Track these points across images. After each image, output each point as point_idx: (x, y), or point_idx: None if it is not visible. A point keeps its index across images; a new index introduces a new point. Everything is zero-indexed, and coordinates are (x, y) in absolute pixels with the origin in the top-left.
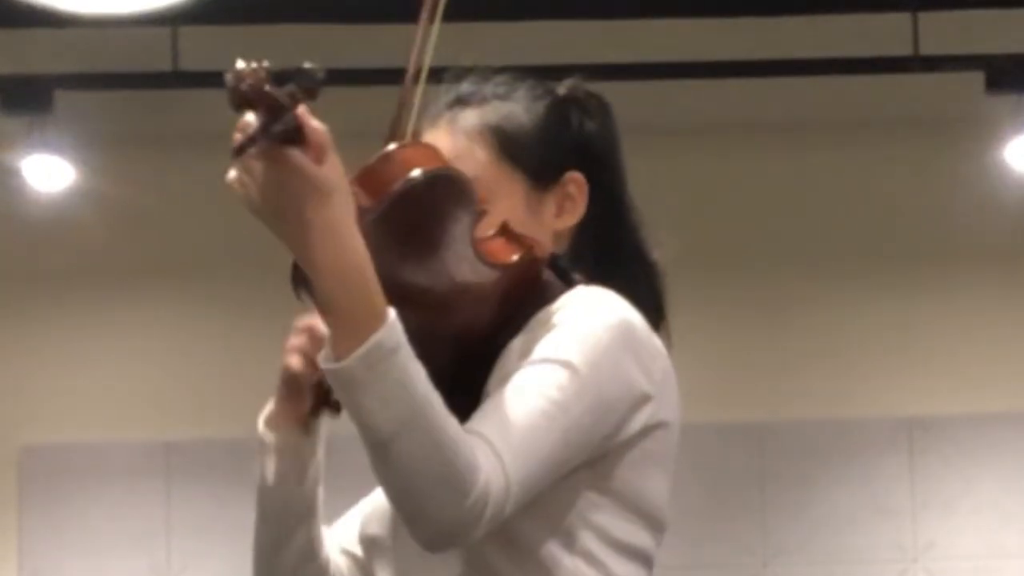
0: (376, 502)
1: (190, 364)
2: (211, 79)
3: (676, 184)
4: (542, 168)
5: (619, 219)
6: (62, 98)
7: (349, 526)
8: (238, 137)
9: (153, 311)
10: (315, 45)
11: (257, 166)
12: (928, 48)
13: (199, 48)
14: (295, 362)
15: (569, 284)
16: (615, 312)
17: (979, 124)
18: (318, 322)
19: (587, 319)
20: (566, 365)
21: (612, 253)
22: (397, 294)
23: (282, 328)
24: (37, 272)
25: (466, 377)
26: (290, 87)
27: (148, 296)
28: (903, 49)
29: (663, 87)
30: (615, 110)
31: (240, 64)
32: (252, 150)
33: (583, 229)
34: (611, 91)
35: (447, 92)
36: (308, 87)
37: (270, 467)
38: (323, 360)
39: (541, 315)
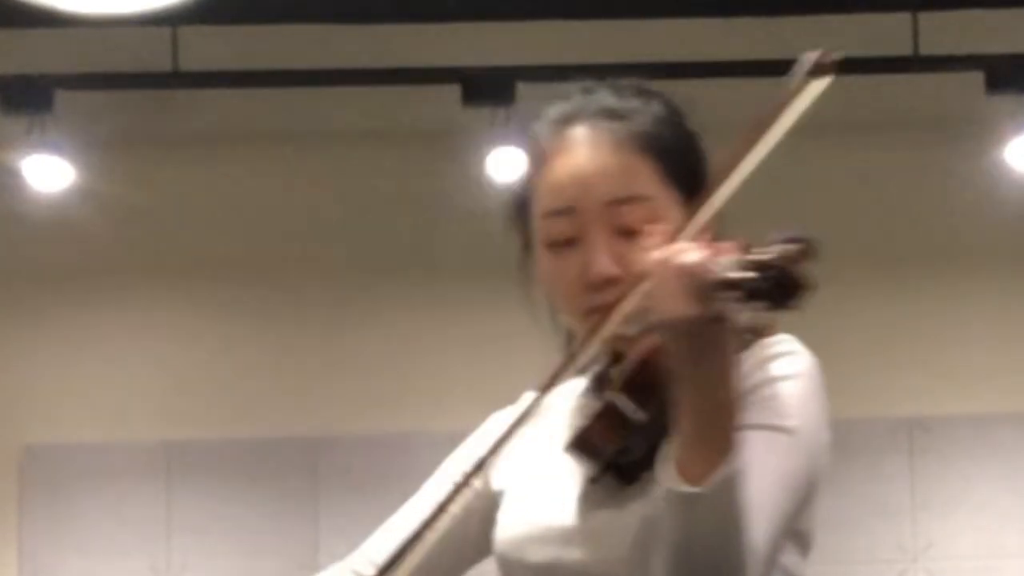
0: (518, 528)
1: (190, 364)
2: (211, 79)
3: None
4: (694, 189)
5: None
6: (62, 98)
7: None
8: (714, 270)
9: (153, 311)
10: (315, 45)
11: (707, 300)
12: (928, 48)
13: (199, 48)
14: None
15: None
16: (807, 363)
17: (979, 124)
18: None
19: (791, 377)
20: (790, 432)
21: None
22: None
23: (281, 328)
24: (37, 272)
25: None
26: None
27: (148, 296)
28: (903, 49)
29: (663, 87)
30: None
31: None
32: (741, 303)
33: None
34: None
35: (583, 101)
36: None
37: None
38: (668, 478)
39: (747, 367)
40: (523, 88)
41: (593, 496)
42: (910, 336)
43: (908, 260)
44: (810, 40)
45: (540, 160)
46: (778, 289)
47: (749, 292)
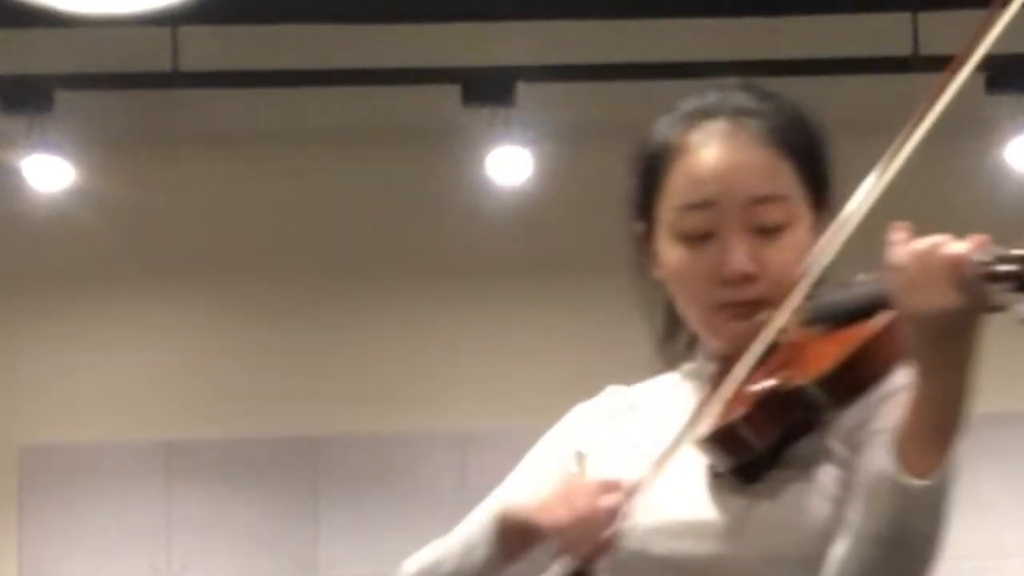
0: (644, 519)
1: (190, 364)
2: (211, 79)
3: None
4: (823, 192)
5: None
6: (62, 98)
7: None
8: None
9: (153, 311)
10: (315, 45)
11: (967, 292)
12: (928, 48)
13: (199, 48)
14: (566, 539)
15: None
16: None
17: (979, 124)
18: None
19: None
20: None
21: None
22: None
23: (281, 328)
24: (37, 272)
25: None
26: None
27: (148, 296)
28: (903, 49)
29: (663, 87)
30: (615, 110)
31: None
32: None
33: None
34: (611, 91)
35: (720, 96)
36: None
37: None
38: (893, 470)
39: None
40: (523, 88)
41: (721, 490)
42: None
43: None
44: (810, 40)
45: (674, 152)
46: None
47: (1020, 283)
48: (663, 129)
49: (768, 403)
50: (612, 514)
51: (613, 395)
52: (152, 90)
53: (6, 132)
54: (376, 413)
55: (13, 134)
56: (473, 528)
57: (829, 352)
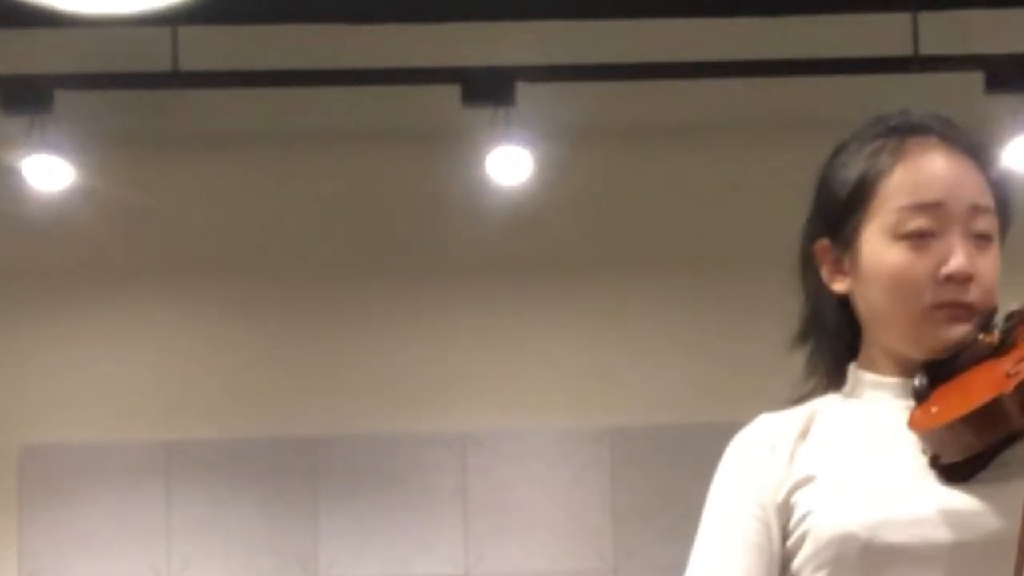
0: (880, 512)
1: (190, 364)
2: (211, 79)
3: (676, 184)
4: (1004, 220)
5: None
6: (62, 98)
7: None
8: None
9: (153, 311)
10: (315, 45)
11: None
12: (928, 48)
13: (199, 48)
14: None
15: None
16: None
17: (979, 124)
18: None
19: None
20: None
21: None
22: None
23: (281, 328)
24: (37, 272)
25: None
26: None
27: (148, 296)
28: (903, 49)
29: (663, 87)
30: (615, 110)
31: None
32: None
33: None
34: (611, 91)
35: (923, 115)
36: None
37: None
38: None
39: None
40: (523, 88)
41: (948, 479)
42: None
43: None
44: (810, 40)
45: (891, 159)
46: None
47: None
48: (866, 145)
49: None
50: None
51: (771, 425)
52: (152, 90)
53: (6, 132)
54: (376, 413)
55: (13, 134)
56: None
57: None
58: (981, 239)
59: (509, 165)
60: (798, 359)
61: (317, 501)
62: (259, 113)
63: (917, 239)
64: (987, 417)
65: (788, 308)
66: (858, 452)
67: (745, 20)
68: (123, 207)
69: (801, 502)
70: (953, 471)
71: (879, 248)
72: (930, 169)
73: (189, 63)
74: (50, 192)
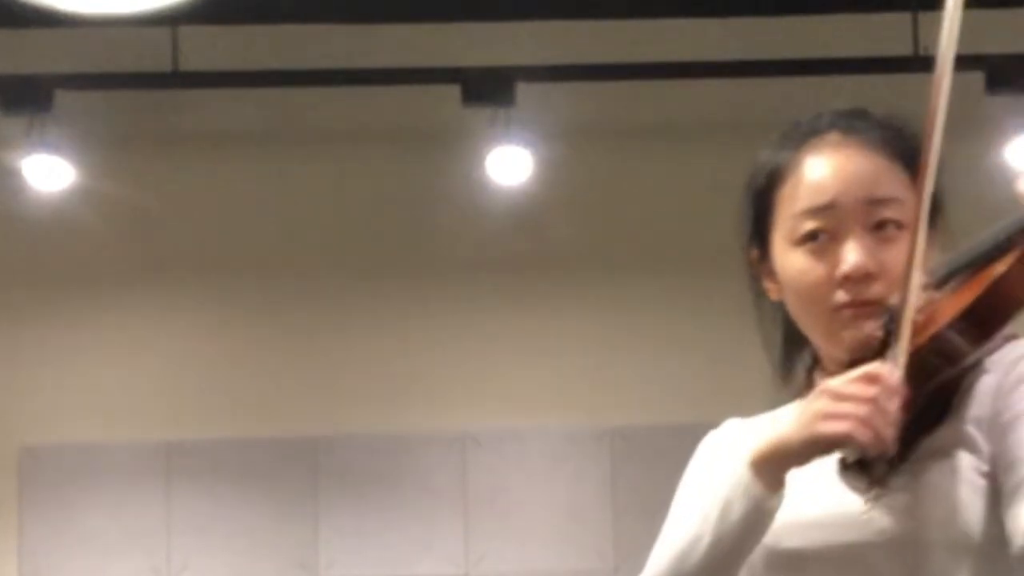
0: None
1: (190, 364)
2: (211, 79)
3: (676, 184)
4: (935, 205)
5: None
6: (62, 98)
7: None
8: None
9: (153, 311)
10: (315, 45)
11: None
12: (928, 48)
13: (199, 48)
14: (862, 435)
15: None
16: None
17: (979, 124)
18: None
19: None
20: None
21: None
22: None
23: (281, 328)
24: (37, 272)
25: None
26: None
27: (148, 296)
28: (903, 49)
29: (663, 87)
30: (615, 110)
31: None
32: None
33: None
34: (611, 91)
35: (826, 115)
36: None
37: (764, 524)
38: None
39: (1001, 359)
40: (523, 88)
41: (854, 480)
42: None
43: None
44: (810, 40)
45: (789, 167)
46: None
47: None
48: (772, 152)
49: (909, 369)
50: (890, 390)
51: (738, 428)
52: (152, 90)
53: (6, 132)
54: (376, 413)
55: (13, 134)
56: (711, 497)
57: (962, 298)
58: (885, 230)
59: (509, 165)
60: None
61: (317, 501)
62: (259, 113)
63: (814, 243)
64: None
65: None
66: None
67: (745, 20)
68: (123, 207)
69: None
70: (866, 471)
71: (783, 256)
72: (820, 171)
73: (189, 63)
74: (50, 192)
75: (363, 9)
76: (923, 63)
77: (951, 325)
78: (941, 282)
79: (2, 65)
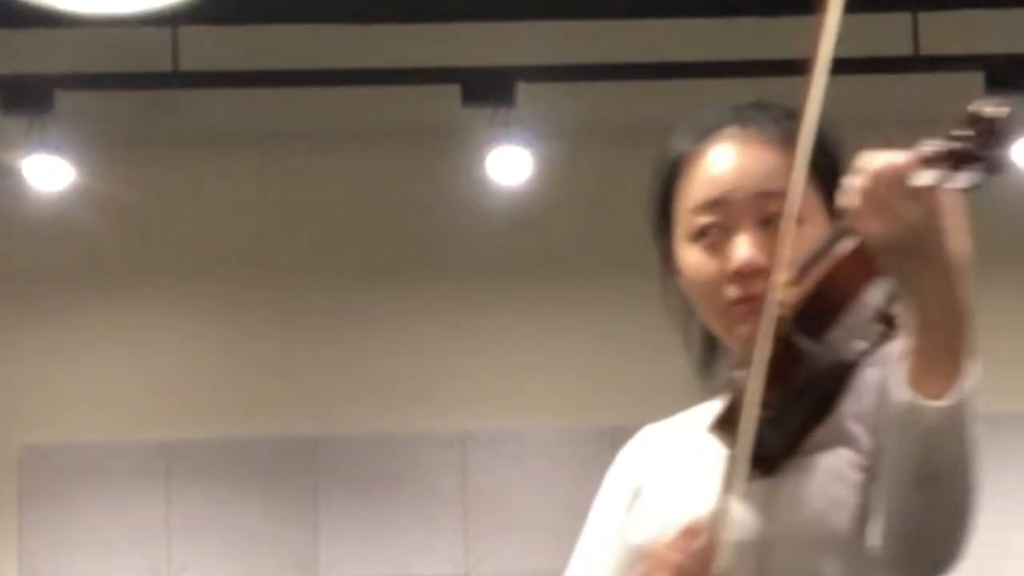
0: (668, 523)
1: (190, 364)
2: (211, 79)
3: None
4: (833, 186)
5: None
6: (62, 98)
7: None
8: (934, 168)
9: (153, 311)
10: (315, 45)
11: (920, 200)
12: (928, 48)
13: (199, 48)
14: None
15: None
16: None
17: None
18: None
19: None
20: None
21: None
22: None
23: (281, 328)
24: (37, 272)
25: (813, 395)
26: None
27: (148, 296)
28: (903, 49)
29: (663, 87)
30: (615, 110)
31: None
32: (967, 175)
33: None
34: (611, 91)
35: (725, 108)
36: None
37: None
38: (907, 394)
39: (892, 352)
40: (523, 88)
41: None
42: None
43: None
44: (810, 40)
45: (687, 161)
46: (983, 138)
47: (960, 155)
48: (675, 145)
49: (771, 369)
50: (708, 552)
51: (650, 435)
52: (152, 90)
53: (6, 132)
54: (376, 413)
55: (13, 134)
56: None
57: (801, 292)
58: (778, 226)
59: (509, 165)
60: None
61: (317, 501)
62: (259, 113)
63: (707, 239)
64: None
65: None
66: (680, 458)
67: (745, 20)
68: (123, 207)
69: (632, 516)
70: (754, 466)
71: (682, 253)
72: (713, 166)
73: (189, 63)
74: (50, 192)
75: (363, 9)
76: (923, 63)
77: (792, 321)
78: (800, 277)
79: (2, 65)
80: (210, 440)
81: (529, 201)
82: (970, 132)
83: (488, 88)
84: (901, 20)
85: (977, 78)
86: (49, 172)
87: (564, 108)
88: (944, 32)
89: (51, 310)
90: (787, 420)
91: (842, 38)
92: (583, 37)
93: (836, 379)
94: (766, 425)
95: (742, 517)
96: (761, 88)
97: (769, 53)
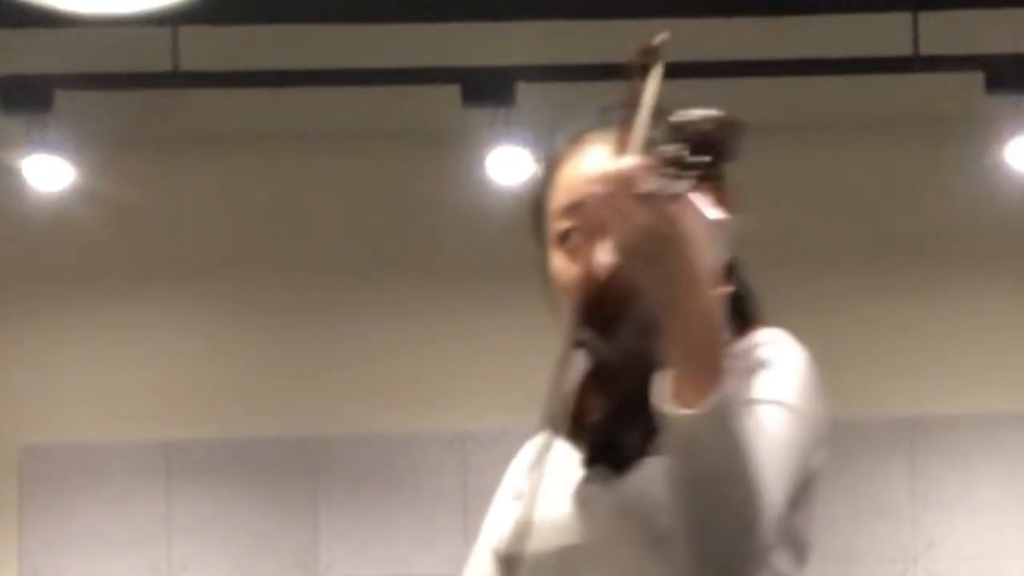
0: (507, 525)
1: (190, 364)
2: (211, 79)
3: None
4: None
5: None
6: (62, 98)
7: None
8: (646, 180)
9: (153, 311)
10: (315, 45)
11: (649, 206)
12: (928, 48)
13: (199, 48)
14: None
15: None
16: (805, 355)
17: (979, 124)
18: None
19: (791, 362)
20: (789, 408)
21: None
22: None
23: (281, 328)
24: (37, 272)
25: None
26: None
27: (148, 296)
28: (903, 49)
29: (663, 87)
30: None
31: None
32: (676, 188)
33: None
34: (611, 91)
35: (600, 114)
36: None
37: None
38: (665, 404)
39: (736, 348)
40: (523, 88)
41: (585, 483)
42: (910, 336)
43: (908, 259)
44: (810, 40)
45: (554, 166)
46: (707, 137)
47: (677, 162)
48: (549, 149)
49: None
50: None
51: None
52: (152, 90)
53: (6, 132)
54: (376, 413)
55: (13, 134)
56: None
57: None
58: None
59: (509, 165)
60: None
61: (317, 501)
62: (259, 113)
63: (569, 243)
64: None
65: (788, 308)
66: (548, 462)
67: (745, 20)
68: (123, 207)
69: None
70: (603, 470)
71: (552, 258)
72: (572, 171)
73: (189, 63)
74: (50, 192)
75: (363, 9)
76: (923, 63)
77: (575, 323)
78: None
79: (2, 65)
80: (210, 440)
81: None
82: (679, 142)
83: (488, 88)
84: (901, 20)
85: (977, 78)
86: (49, 172)
87: (564, 108)
88: (944, 32)
89: (51, 310)
90: (638, 421)
91: (842, 38)
92: (583, 37)
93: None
94: (624, 426)
95: (584, 520)
96: (761, 88)
97: (769, 53)
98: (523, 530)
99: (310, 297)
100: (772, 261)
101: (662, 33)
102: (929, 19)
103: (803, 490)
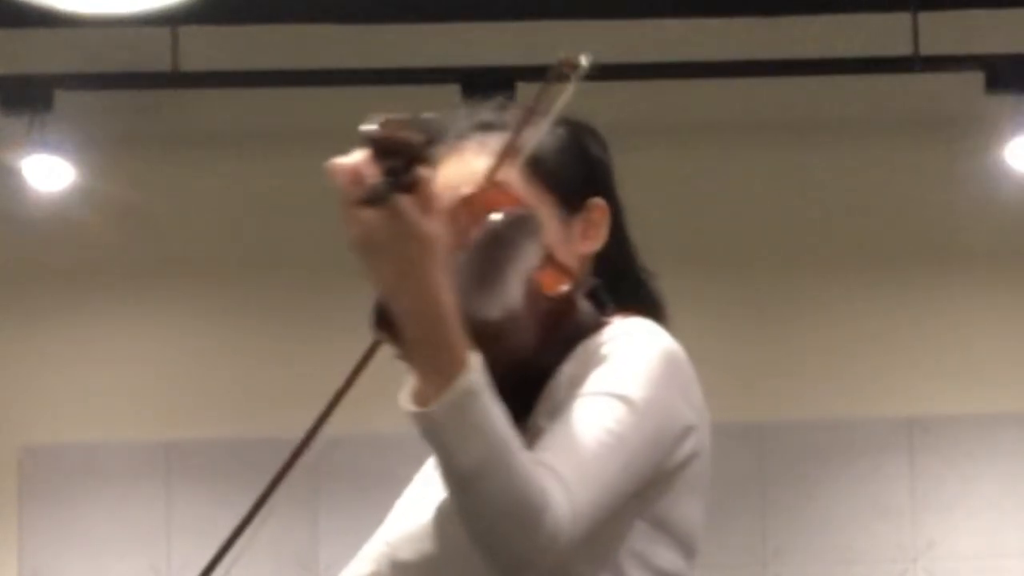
0: (403, 528)
1: (190, 364)
2: (211, 79)
3: (676, 184)
4: (571, 193)
5: (625, 241)
6: (62, 98)
7: (374, 550)
8: (362, 183)
9: (153, 311)
10: (315, 45)
11: (368, 205)
12: (928, 48)
13: (199, 48)
14: None
15: (604, 311)
16: (661, 344)
17: (979, 124)
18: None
19: (638, 353)
20: (623, 399)
21: (625, 276)
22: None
23: (282, 328)
24: (37, 272)
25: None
26: (414, 136)
27: (148, 296)
28: (903, 49)
29: (663, 87)
30: (615, 110)
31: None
32: (383, 196)
33: (598, 254)
34: (611, 91)
35: (466, 117)
36: (428, 138)
37: None
38: (405, 403)
39: (588, 345)
40: (523, 88)
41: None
42: (910, 336)
43: (908, 260)
44: (810, 40)
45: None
46: (395, 143)
47: (382, 168)
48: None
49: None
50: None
51: None
52: (152, 90)
53: (6, 132)
54: (376, 413)
55: (13, 134)
56: None
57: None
58: None
59: None
60: (796, 359)
61: (317, 501)
62: (259, 113)
63: None
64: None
65: (788, 308)
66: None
67: (745, 20)
68: (123, 207)
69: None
70: None
71: None
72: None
73: (189, 63)
74: (50, 192)
75: (363, 9)
76: (923, 63)
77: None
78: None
79: (2, 65)
80: (210, 440)
81: None
82: (371, 149)
83: (488, 88)
84: (901, 20)
85: (977, 78)
86: (49, 172)
87: (564, 108)
88: (944, 32)
89: (51, 310)
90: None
91: (842, 38)
92: (583, 37)
93: (524, 382)
94: None
95: (445, 524)
96: (761, 88)
97: (769, 53)
98: (403, 534)
99: (310, 297)
100: (772, 260)
101: (586, 55)
102: (929, 19)
103: (664, 482)
